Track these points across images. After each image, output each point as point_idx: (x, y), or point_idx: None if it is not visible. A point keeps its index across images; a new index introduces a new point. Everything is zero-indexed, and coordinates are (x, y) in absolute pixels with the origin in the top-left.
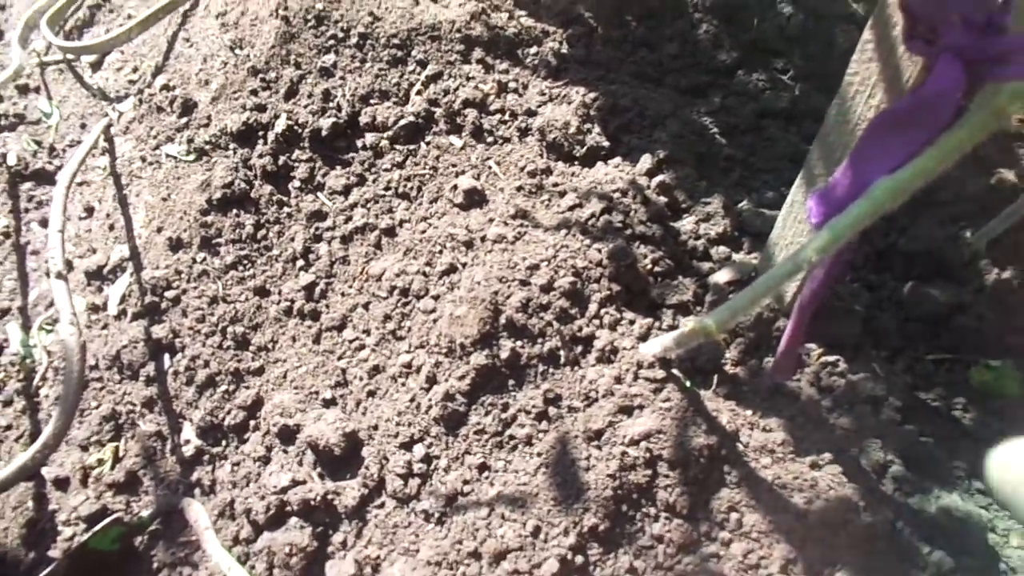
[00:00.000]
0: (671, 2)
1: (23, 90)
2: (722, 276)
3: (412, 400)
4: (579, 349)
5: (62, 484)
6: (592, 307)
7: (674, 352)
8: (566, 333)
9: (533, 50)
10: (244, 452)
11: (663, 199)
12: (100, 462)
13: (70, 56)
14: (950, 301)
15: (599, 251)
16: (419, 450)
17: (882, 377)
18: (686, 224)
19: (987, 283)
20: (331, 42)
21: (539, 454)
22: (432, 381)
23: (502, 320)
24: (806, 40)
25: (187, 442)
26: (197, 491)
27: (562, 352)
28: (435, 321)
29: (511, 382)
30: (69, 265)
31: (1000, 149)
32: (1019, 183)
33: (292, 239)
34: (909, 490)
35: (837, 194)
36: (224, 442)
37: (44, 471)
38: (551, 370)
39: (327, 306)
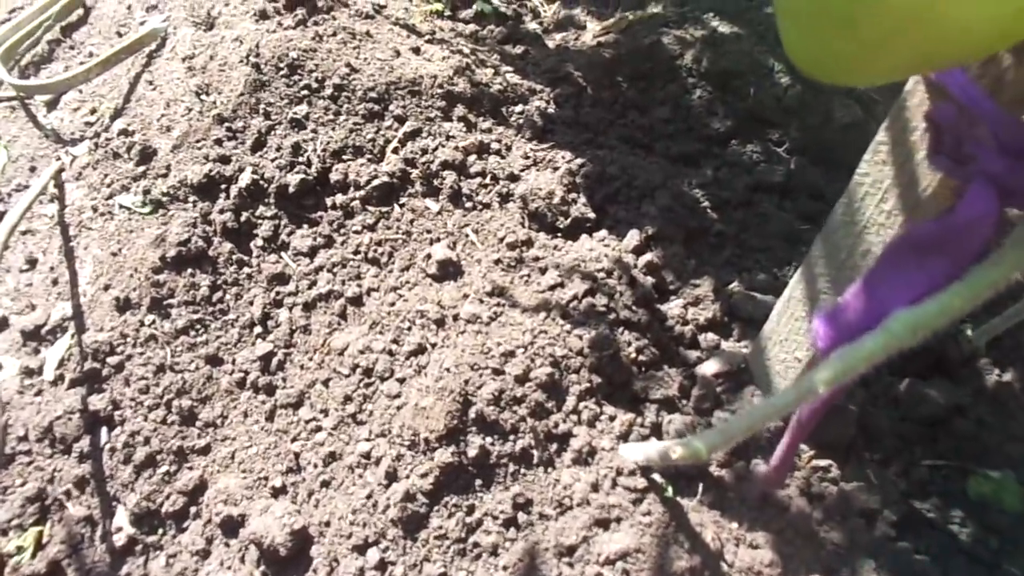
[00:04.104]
0: (664, 65)
1: None
2: (710, 367)
3: (369, 497)
4: (554, 448)
5: None
6: (570, 401)
7: (656, 464)
8: (540, 430)
9: (519, 108)
10: (181, 543)
11: (650, 280)
12: (20, 549)
13: (23, 94)
14: (948, 403)
15: (580, 338)
16: (373, 555)
17: (876, 486)
18: (673, 308)
19: (987, 385)
20: (304, 92)
21: (505, 567)
22: (392, 478)
23: (472, 414)
24: (803, 112)
25: (119, 529)
26: None
27: (535, 451)
28: (399, 408)
29: (478, 482)
30: (5, 322)
31: None
32: None
33: (251, 303)
34: None
35: (848, 318)
36: (160, 530)
37: None
38: (522, 471)
39: (284, 379)
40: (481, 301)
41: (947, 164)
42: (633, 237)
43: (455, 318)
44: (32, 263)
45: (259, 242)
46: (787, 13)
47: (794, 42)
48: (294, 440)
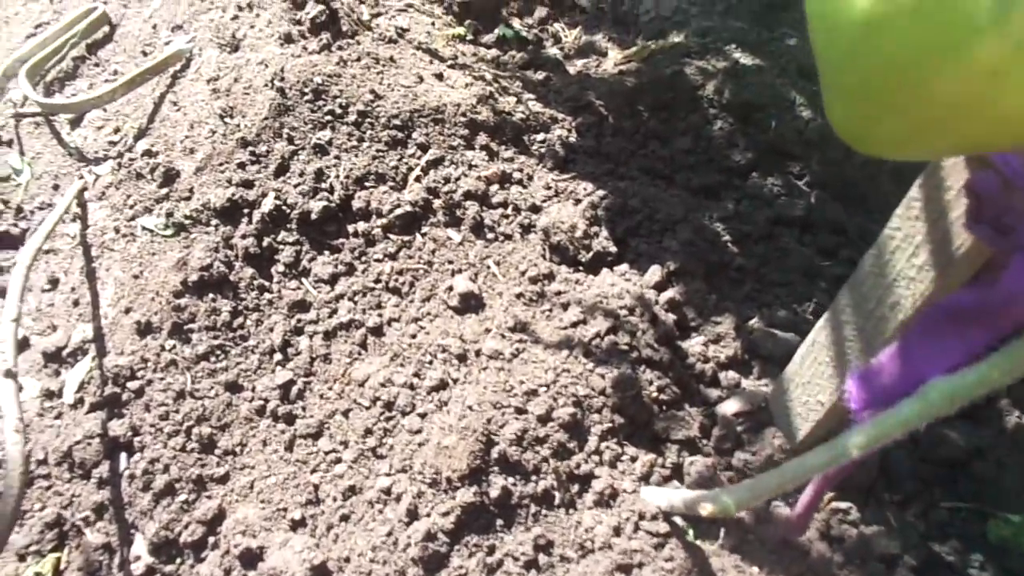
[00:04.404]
0: (685, 95)
1: None
2: (730, 407)
3: (390, 534)
4: (576, 489)
5: None
6: (592, 441)
7: (680, 512)
8: (563, 471)
9: (540, 137)
10: (200, 574)
11: (672, 317)
12: None
13: (48, 111)
14: (969, 445)
15: (602, 377)
16: None
17: (896, 529)
18: (694, 345)
19: (1007, 427)
20: (328, 118)
21: None
22: (413, 515)
23: (494, 454)
24: (824, 146)
25: (137, 558)
26: None
27: (557, 492)
28: (420, 445)
29: (499, 522)
30: (26, 343)
31: None
32: None
33: (271, 329)
34: None
35: (883, 382)
36: (179, 560)
37: None
38: (544, 512)
39: (303, 409)
40: (503, 336)
41: (988, 233)
42: (655, 273)
43: (477, 353)
44: (54, 283)
45: (280, 268)
46: (833, 90)
47: (839, 118)
48: (314, 471)
